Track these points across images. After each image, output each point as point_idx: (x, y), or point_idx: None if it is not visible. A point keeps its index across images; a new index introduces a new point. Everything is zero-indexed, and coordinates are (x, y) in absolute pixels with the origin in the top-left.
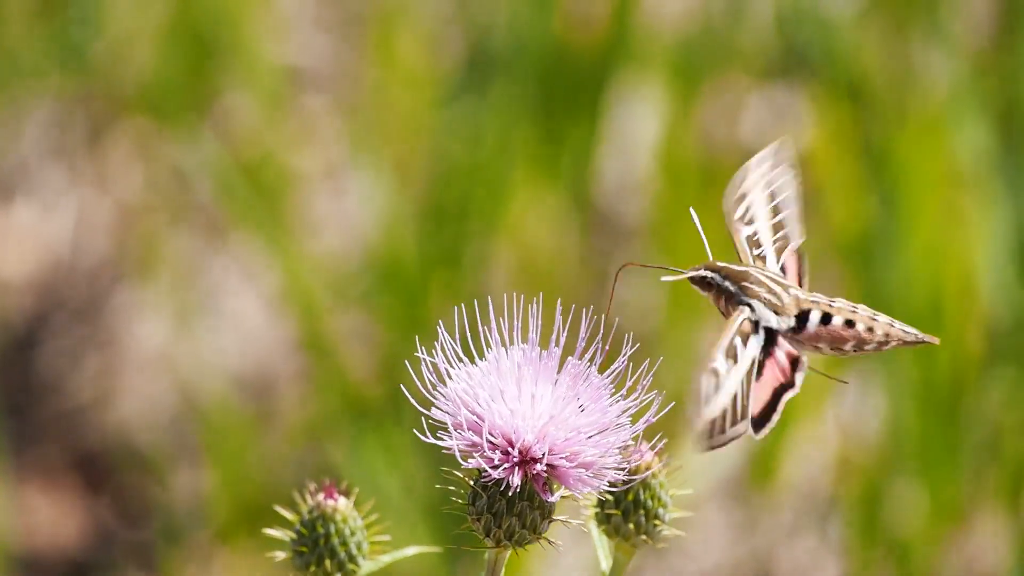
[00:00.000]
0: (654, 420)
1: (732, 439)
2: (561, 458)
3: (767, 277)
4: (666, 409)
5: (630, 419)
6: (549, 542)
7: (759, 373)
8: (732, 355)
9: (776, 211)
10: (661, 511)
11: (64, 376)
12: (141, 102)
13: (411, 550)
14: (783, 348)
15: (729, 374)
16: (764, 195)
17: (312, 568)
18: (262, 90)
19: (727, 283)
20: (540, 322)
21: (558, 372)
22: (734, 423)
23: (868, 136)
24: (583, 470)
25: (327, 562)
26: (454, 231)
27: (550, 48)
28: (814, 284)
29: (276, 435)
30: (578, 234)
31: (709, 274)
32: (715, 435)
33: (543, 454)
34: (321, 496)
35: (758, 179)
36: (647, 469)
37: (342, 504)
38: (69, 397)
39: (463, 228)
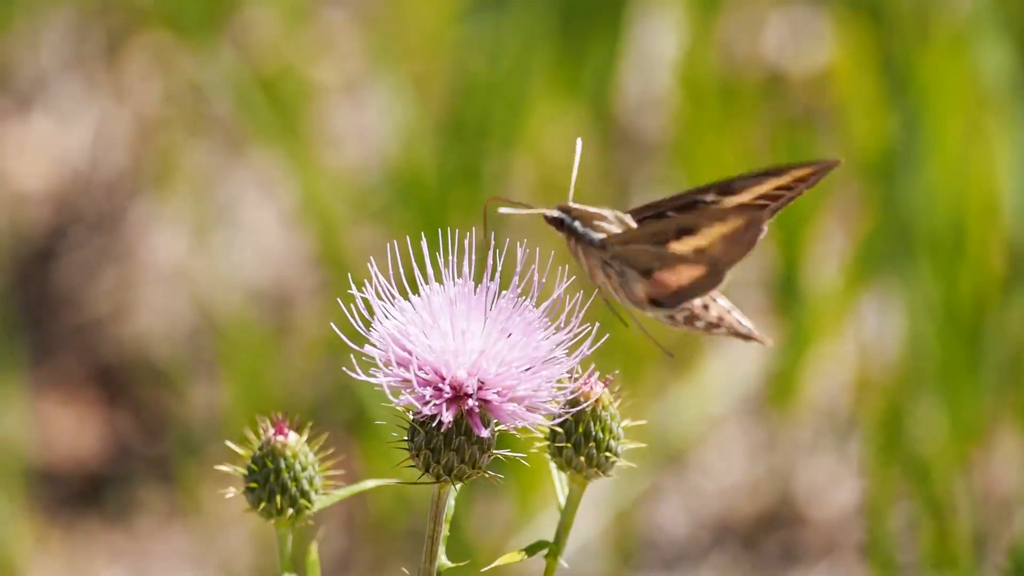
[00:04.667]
0: (588, 352)
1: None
2: (493, 392)
3: (620, 221)
4: (602, 341)
5: (566, 352)
6: (490, 476)
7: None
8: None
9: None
10: (613, 443)
11: (81, 289)
12: (159, 14)
13: (368, 483)
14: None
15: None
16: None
17: (263, 504)
18: (282, 2)
19: (576, 223)
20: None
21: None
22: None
23: (890, 54)
24: (516, 404)
25: (278, 498)
26: (473, 146)
27: None
28: (837, 202)
29: (293, 350)
30: (598, 149)
31: (559, 214)
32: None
33: (474, 389)
34: (271, 431)
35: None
36: (595, 400)
37: (292, 440)
38: (86, 310)
39: (482, 143)
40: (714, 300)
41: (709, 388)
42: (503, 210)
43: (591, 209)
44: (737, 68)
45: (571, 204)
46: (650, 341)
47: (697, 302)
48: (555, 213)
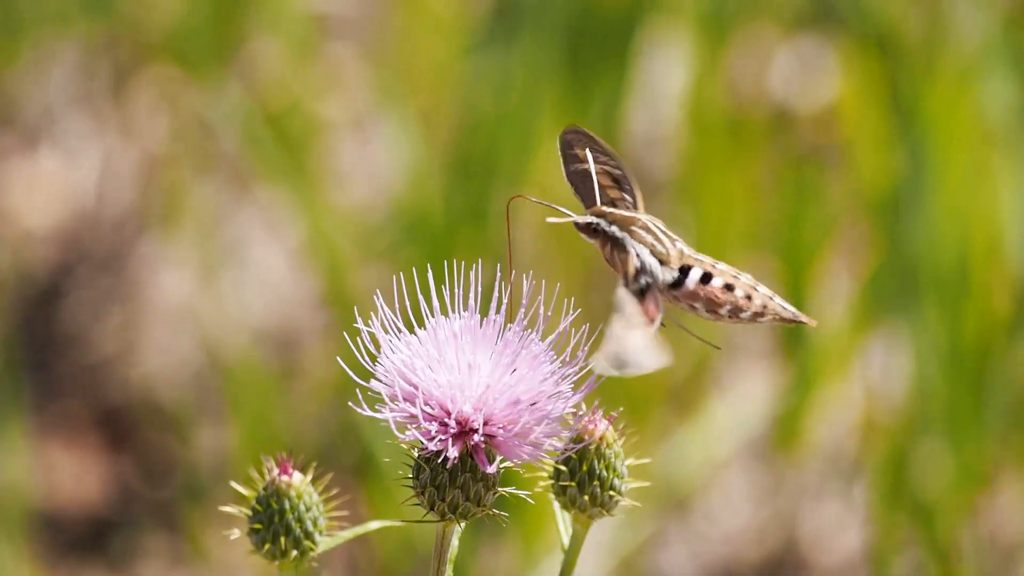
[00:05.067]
0: (594, 387)
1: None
2: (498, 428)
3: (655, 226)
4: (607, 375)
5: (571, 387)
6: (494, 514)
7: None
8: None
9: (619, 184)
10: (617, 481)
11: (87, 329)
12: (167, 49)
13: (373, 525)
14: (649, 304)
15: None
16: (601, 169)
17: (267, 545)
18: (288, 37)
19: (614, 228)
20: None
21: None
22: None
23: (897, 89)
24: (521, 439)
25: (282, 539)
26: (481, 183)
27: None
28: (843, 242)
29: (300, 391)
30: None
31: (596, 220)
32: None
33: (480, 424)
34: (275, 472)
35: (588, 155)
36: (599, 438)
37: (296, 480)
38: (92, 350)
39: (490, 180)
40: (756, 289)
41: (713, 431)
42: (533, 199)
43: (626, 213)
44: (744, 104)
45: (604, 208)
46: (695, 339)
47: (739, 293)
48: (589, 219)
